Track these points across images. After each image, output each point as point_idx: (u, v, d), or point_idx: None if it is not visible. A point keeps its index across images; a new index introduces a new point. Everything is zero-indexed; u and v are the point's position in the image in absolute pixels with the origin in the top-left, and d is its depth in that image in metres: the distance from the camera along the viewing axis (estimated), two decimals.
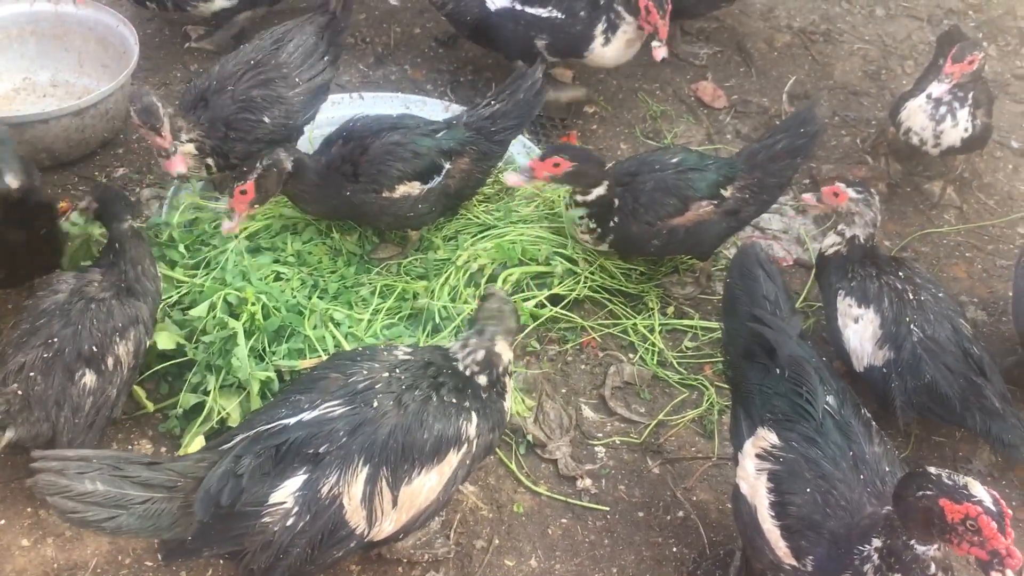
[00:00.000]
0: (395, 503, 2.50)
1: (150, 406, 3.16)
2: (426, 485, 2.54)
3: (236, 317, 3.18)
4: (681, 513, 3.09)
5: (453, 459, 2.57)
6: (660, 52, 3.88)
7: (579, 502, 3.10)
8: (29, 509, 2.94)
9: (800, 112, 3.67)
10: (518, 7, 4.16)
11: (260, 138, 3.60)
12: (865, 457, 2.51)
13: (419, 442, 2.51)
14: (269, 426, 2.49)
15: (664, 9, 3.83)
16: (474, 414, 2.62)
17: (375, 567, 2.89)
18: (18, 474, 3.01)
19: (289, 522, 2.41)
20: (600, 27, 4.04)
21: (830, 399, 2.61)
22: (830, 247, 3.41)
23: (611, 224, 3.47)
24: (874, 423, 2.65)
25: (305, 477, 2.43)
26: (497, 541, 2.97)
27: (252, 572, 2.45)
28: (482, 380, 2.67)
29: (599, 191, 3.44)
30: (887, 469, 2.51)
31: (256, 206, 3.31)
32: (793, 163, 3.60)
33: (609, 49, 4.09)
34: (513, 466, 3.16)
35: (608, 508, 3.09)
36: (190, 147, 3.50)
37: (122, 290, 3.03)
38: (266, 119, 3.60)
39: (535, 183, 3.49)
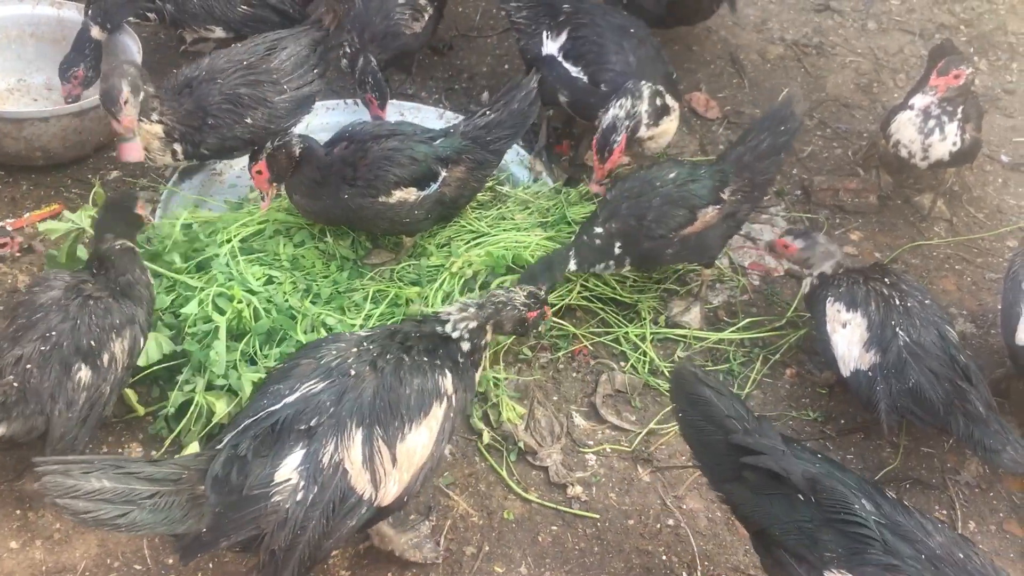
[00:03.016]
0: (395, 461, 2.55)
1: (140, 410, 3.16)
2: (419, 441, 2.60)
3: (223, 315, 3.20)
4: (671, 521, 3.10)
5: (438, 412, 2.65)
6: (593, 187, 3.80)
7: (569, 509, 3.10)
8: (18, 511, 2.93)
9: (778, 110, 3.72)
10: (558, 57, 4.12)
11: (238, 135, 3.65)
12: (938, 554, 2.36)
13: (404, 398, 2.59)
14: (255, 416, 2.54)
15: (604, 156, 3.71)
16: (448, 371, 2.70)
17: (365, 571, 2.89)
18: (7, 476, 3.01)
19: (299, 496, 2.45)
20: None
21: (865, 503, 2.43)
22: (807, 287, 3.53)
23: (617, 252, 3.49)
24: (901, 502, 2.51)
25: (304, 451, 2.48)
26: (487, 548, 2.98)
27: (273, 554, 2.46)
28: (465, 346, 2.77)
29: (571, 266, 3.47)
30: (960, 556, 2.37)
31: (275, 184, 3.49)
32: (778, 159, 3.71)
33: None
34: (504, 473, 3.16)
35: (598, 516, 3.09)
36: (158, 128, 3.54)
37: (117, 292, 3.04)
38: (248, 119, 3.65)
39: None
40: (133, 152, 3.44)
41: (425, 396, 2.62)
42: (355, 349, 2.67)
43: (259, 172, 3.41)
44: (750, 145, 3.66)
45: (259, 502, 2.43)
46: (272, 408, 2.54)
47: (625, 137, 3.70)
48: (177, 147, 3.59)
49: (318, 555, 2.52)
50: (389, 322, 3.40)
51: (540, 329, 3.40)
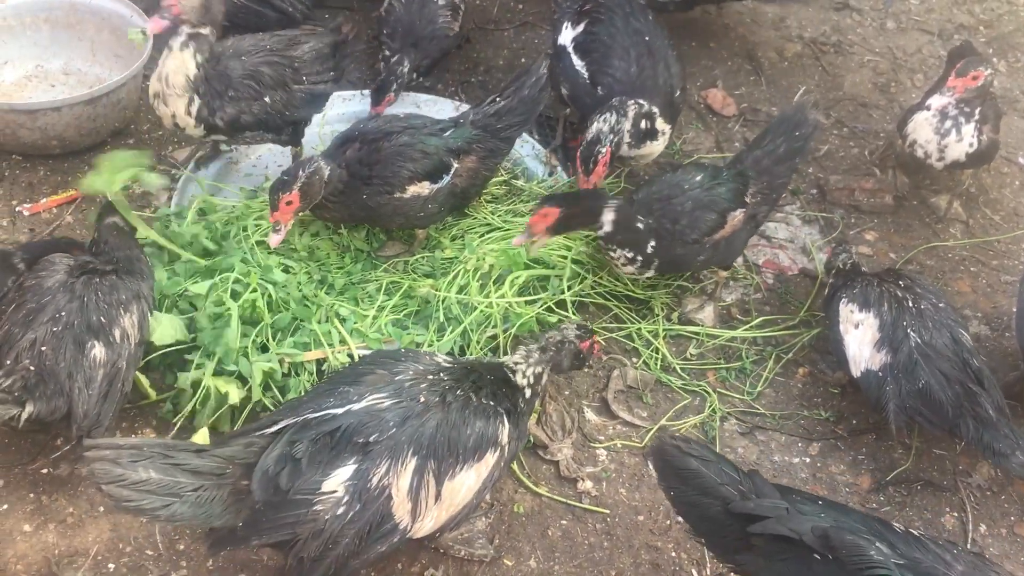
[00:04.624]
0: (438, 497, 2.54)
1: (153, 395, 3.17)
2: (466, 483, 2.59)
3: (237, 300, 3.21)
4: (681, 518, 3.09)
5: (490, 460, 2.64)
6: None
7: (579, 504, 3.11)
8: (31, 495, 2.95)
9: (792, 114, 3.70)
10: (568, 48, 4.09)
11: (255, 112, 3.62)
12: None
13: (463, 437, 2.58)
14: (318, 414, 2.52)
15: (588, 169, 3.61)
16: (506, 419, 2.70)
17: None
18: (21, 459, 3.03)
19: (340, 511, 2.43)
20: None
21: (880, 546, 2.34)
22: (829, 280, 3.61)
23: (649, 250, 3.44)
24: (912, 531, 2.45)
25: (356, 467, 2.46)
26: (497, 541, 2.98)
27: (302, 561, 2.46)
28: (527, 393, 2.82)
29: (609, 218, 3.38)
30: None
31: (299, 214, 3.33)
32: (794, 163, 3.71)
33: None
34: (514, 466, 3.17)
35: (608, 511, 3.10)
36: (192, 65, 3.45)
37: (120, 269, 3.09)
38: (267, 98, 3.63)
39: (541, 239, 3.37)
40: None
41: (483, 441, 2.62)
42: (431, 376, 2.67)
43: (289, 203, 3.25)
44: (767, 149, 3.63)
45: (300, 507, 2.41)
46: (336, 412, 2.52)
47: (609, 151, 3.63)
48: (196, 100, 3.52)
49: (343, 572, 2.51)
50: (403, 313, 3.41)
51: (591, 363, 3.32)
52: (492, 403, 2.68)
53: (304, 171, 3.26)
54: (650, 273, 3.55)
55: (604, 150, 3.61)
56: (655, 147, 3.92)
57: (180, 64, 3.46)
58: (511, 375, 2.83)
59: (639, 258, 3.45)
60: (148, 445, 2.43)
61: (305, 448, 2.45)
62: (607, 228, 3.39)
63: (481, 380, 2.73)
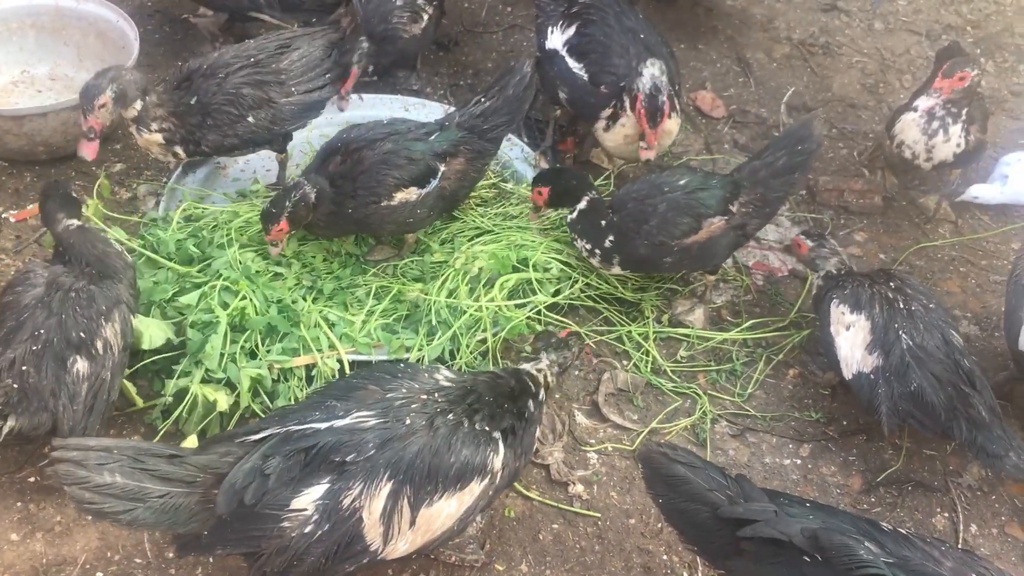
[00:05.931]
0: (413, 524, 2.50)
1: (139, 402, 3.15)
2: (445, 511, 2.54)
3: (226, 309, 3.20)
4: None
5: (476, 488, 2.58)
6: (645, 153, 3.71)
7: (570, 508, 3.10)
8: (19, 504, 2.93)
9: (797, 129, 3.68)
10: (561, 51, 4.04)
11: (239, 134, 3.61)
12: None
13: (445, 465, 2.52)
14: (301, 427, 2.49)
15: (656, 121, 3.61)
16: (502, 445, 2.64)
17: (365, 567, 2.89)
18: (8, 468, 3.01)
19: (307, 529, 2.40)
20: (606, 111, 3.85)
21: (869, 545, 2.34)
22: (814, 288, 3.59)
23: (607, 245, 3.48)
24: (899, 529, 2.46)
25: (328, 486, 2.43)
26: (488, 545, 2.97)
27: (265, 575, 2.44)
28: (541, 395, 2.86)
29: (581, 206, 3.53)
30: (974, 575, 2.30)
31: (293, 232, 3.47)
32: (792, 178, 3.64)
33: (608, 135, 3.89)
34: None
35: (599, 514, 3.09)
36: (158, 136, 3.53)
37: (94, 276, 3.04)
38: (250, 118, 3.61)
39: (543, 211, 3.72)
40: (90, 151, 3.43)
41: (467, 470, 2.55)
42: (424, 396, 2.62)
43: (280, 230, 3.36)
44: (766, 161, 3.61)
45: (266, 522, 2.39)
46: (319, 427, 2.49)
47: (669, 95, 3.61)
48: (178, 149, 3.59)
49: None
50: (392, 318, 3.40)
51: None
52: (487, 428, 2.62)
53: (290, 200, 3.33)
54: (616, 269, 3.56)
55: (665, 98, 3.60)
56: (673, 124, 3.84)
57: (147, 141, 3.57)
58: (529, 380, 2.85)
59: (597, 251, 3.52)
60: (119, 448, 2.41)
61: (277, 464, 2.42)
62: (574, 216, 3.56)
63: (479, 402, 2.66)
